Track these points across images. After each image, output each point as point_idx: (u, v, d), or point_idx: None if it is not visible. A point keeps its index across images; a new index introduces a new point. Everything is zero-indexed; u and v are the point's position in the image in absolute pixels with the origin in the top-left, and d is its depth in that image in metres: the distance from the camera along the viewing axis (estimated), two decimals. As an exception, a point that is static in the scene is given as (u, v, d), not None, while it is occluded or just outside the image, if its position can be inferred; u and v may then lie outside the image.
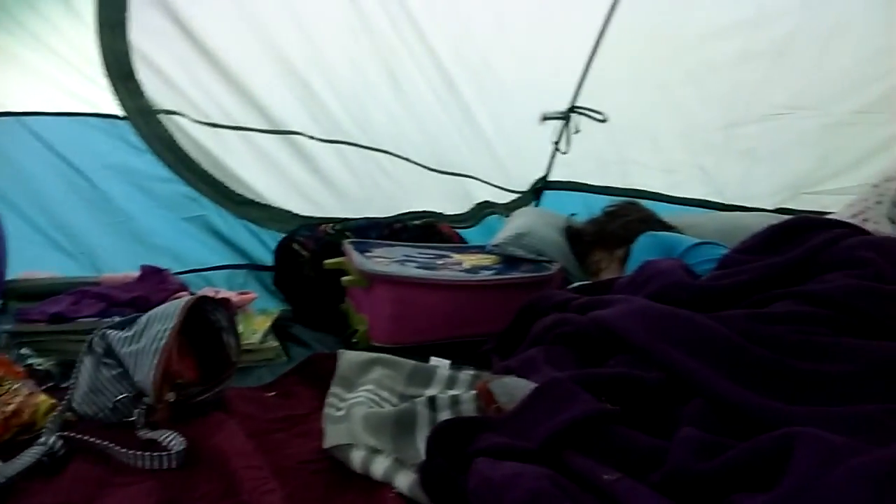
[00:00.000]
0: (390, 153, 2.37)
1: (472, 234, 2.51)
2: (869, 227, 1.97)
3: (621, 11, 2.37)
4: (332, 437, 1.11)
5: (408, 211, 2.47)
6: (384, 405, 1.28)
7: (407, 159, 2.40)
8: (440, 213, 2.52)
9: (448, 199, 2.54)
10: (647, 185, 2.67)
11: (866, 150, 2.74)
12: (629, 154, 2.64)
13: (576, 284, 1.84)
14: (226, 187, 2.18)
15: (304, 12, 2.10)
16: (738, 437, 0.91)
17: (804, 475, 0.71)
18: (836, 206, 2.28)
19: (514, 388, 1.17)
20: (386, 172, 2.42)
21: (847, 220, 2.02)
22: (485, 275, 1.95)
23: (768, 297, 1.29)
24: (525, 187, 2.64)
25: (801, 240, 1.46)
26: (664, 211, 2.49)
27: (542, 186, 2.65)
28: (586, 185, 2.67)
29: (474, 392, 1.22)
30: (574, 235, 2.22)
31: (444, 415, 1.17)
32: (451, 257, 2.07)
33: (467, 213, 2.59)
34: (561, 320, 1.40)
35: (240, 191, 2.20)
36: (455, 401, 1.21)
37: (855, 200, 2.18)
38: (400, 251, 2.06)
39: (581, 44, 2.43)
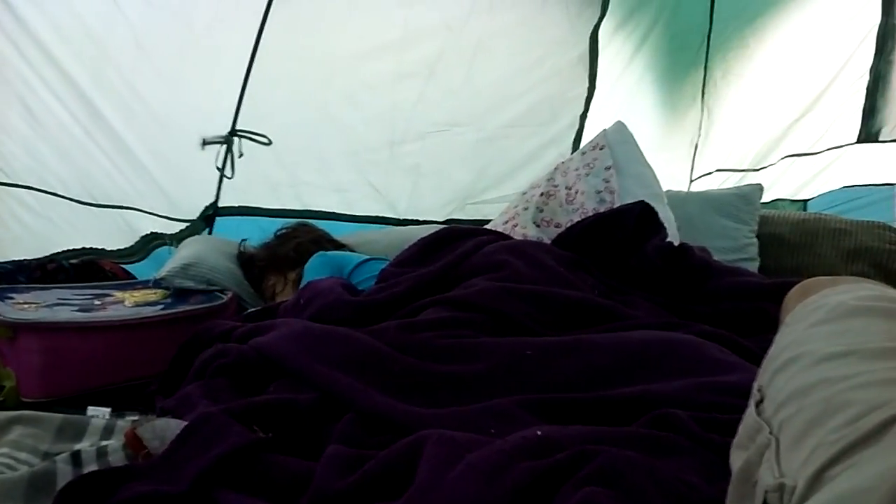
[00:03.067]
0: (33, 188, 2.15)
1: (141, 269, 2.35)
2: (518, 231, 2.16)
3: (270, 34, 2.37)
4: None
5: (63, 250, 2.24)
6: (21, 468, 1.13)
7: (54, 194, 2.18)
8: (101, 250, 2.33)
9: (109, 234, 2.35)
10: (321, 206, 2.70)
11: (518, 160, 3.02)
12: (300, 175, 2.65)
13: (248, 311, 1.81)
14: None
15: None
16: (386, 447, 0.93)
17: (428, 476, 0.74)
18: (496, 213, 2.48)
19: (164, 430, 1.09)
20: (31, 209, 2.18)
21: (498, 227, 2.22)
22: (149, 311, 1.83)
23: (419, 306, 1.36)
24: (194, 215, 2.53)
25: (448, 249, 1.56)
26: (340, 230, 2.54)
27: (213, 213, 2.56)
28: (259, 208, 2.63)
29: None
30: (246, 261, 2.17)
31: (91, 469, 1.06)
32: (112, 296, 1.91)
33: (133, 246, 2.42)
34: (220, 351, 1.35)
35: None
36: (102, 452, 1.10)
37: (507, 208, 2.39)
38: (54, 294, 1.86)
39: (235, 66, 2.39)
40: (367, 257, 1.95)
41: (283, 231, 2.21)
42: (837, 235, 2.21)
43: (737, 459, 0.64)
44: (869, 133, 2.90)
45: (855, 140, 2.92)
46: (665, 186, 2.43)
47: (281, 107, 2.53)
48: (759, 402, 0.64)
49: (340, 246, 2.21)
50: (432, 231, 1.64)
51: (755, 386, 0.68)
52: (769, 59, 3.12)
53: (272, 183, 2.64)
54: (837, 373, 0.58)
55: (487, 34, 2.81)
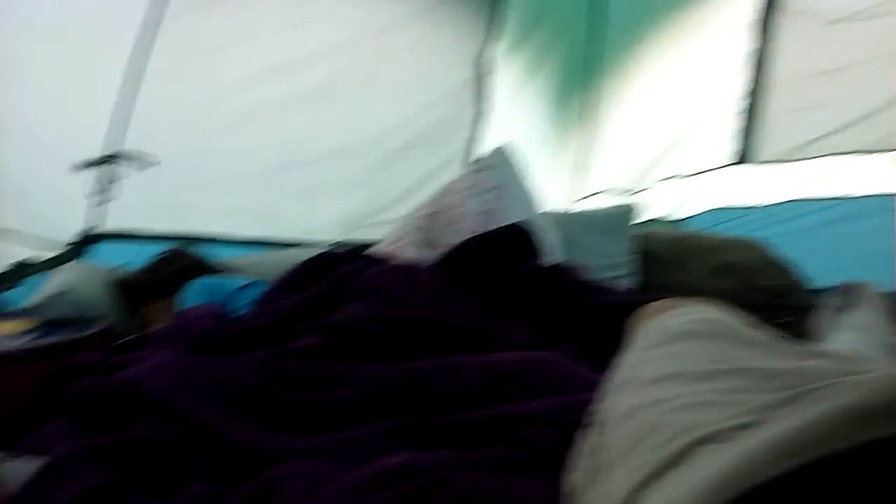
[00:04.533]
0: None
1: (14, 298, 2.24)
2: (406, 253, 2.18)
3: (157, 56, 2.33)
4: None
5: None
6: None
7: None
8: (-36, 279, 2.22)
9: (-26, 263, 2.24)
10: (207, 229, 2.65)
11: (413, 182, 3.05)
12: (185, 198, 2.60)
13: (121, 341, 1.75)
14: None
15: None
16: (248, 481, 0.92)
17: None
18: (388, 235, 2.48)
19: (25, 471, 1.05)
20: None
21: (386, 249, 2.23)
22: (17, 343, 1.74)
23: (294, 332, 1.35)
24: (70, 240, 2.43)
25: (328, 273, 1.55)
26: (226, 253, 2.49)
27: (91, 238, 2.47)
28: (141, 232, 2.55)
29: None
30: (123, 288, 2.10)
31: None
32: (-22, 327, 1.82)
33: (4, 274, 2.30)
34: (87, 385, 1.30)
35: None
36: (-48, 499, 1.04)
37: (395, 229, 2.41)
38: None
39: (116, 87, 2.33)
40: (248, 281, 1.92)
41: (161, 256, 2.16)
42: (707, 252, 2.32)
43: (571, 480, 0.67)
44: (741, 156, 3.06)
45: (729, 162, 3.08)
46: (551, 207, 2.50)
47: (167, 129, 2.49)
48: (595, 424, 0.67)
49: (222, 271, 2.16)
50: (310, 256, 1.63)
51: (594, 408, 0.70)
52: (648, 84, 3.26)
53: (156, 206, 2.57)
54: (659, 395, 0.60)
55: (378, 57, 2.85)
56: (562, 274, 1.69)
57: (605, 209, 2.77)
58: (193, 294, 1.85)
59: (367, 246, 2.64)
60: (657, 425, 0.56)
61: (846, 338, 0.97)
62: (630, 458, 0.56)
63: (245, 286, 1.84)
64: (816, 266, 2.32)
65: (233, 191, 2.71)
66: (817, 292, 2.06)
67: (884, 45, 2.58)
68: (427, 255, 2.11)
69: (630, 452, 0.56)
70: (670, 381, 0.62)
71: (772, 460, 0.43)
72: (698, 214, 3.14)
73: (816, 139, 2.78)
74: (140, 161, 2.43)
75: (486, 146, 2.94)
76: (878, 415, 0.42)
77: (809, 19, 2.79)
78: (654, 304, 0.88)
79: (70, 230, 2.46)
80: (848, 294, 1.24)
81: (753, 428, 0.49)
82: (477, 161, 2.40)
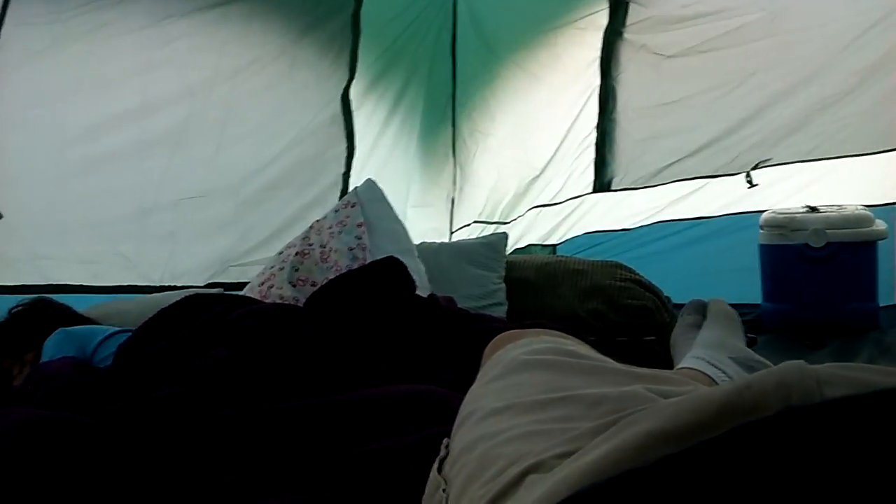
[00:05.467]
0: None
1: None
2: (275, 292, 2.15)
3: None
4: None
5: None
6: None
7: None
8: None
9: None
10: (66, 279, 2.51)
11: (282, 222, 3.01)
12: (39, 249, 2.47)
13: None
14: None
15: None
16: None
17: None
18: (259, 276, 2.43)
19: None
20: None
21: (255, 289, 2.19)
22: None
23: (156, 381, 1.30)
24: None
25: (193, 318, 1.50)
26: (90, 302, 2.37)
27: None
28: (-6, 286, 2.41)
29: None
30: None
31: None
32: None
33: None
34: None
35: None
36: None
37: (264, 269, 2.37)
38: None
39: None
40: (114, 330, 1.83)
41: (19, 308, 2.03)
42: (575, 276, 2.40)
43: None
44: (602, 183, 3.20)
45: (591, 190, 3.21)
46: (427, 239, 2.52)
47: (12, 178, 2.36)
48: (443, 459, 0.67)
49: (85, 320, 2.06)
50: (171, 301, 1.58)
51: (444, 442, 0.71)
52: (509, 118, 3.37)
53: (7, 259, 2.42)
54: (495, 428, 0.61)
55: (235, 99, 2.82)
56: (435, 305, 1.70)
57: (478, 239, 2.82)
58: (55, 345, 1.75)
59: (237, 287, 2.59)
60: (493, 457, 0.58)
61: (697, 354, 1.01)
62: (470, 489, 0.57)
63: (111, 335, 1.76)
64: (681, 285, 2.44)
65: (88, 239, 2.60)
66: (680, 308, 2.17)
67: (718, 77, 2.79)
68: (297, 295, 2.09)
69: (471, 484, 0.58)
70: (508, 412, 0.64)
71: (581, 484, 0.45)
72: (569, 239, 3.25)
73: (668, 165, 2.95)
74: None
75: (357, 182, 2.94)
76: (679, 436, 0.45)
77: (650, 54, 2.97)
78: (499, 335, 0.90)
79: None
80: (700, 310, 1.30)
81: (573, 455, 0.51)
82: (344, 198, 2.40)
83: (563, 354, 0.72)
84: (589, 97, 3.15)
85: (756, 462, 0.37)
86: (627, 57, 3.04)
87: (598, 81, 3.12)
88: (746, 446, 0.39)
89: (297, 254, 2.19)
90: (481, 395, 0.70)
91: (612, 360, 0.73)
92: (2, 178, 2.33)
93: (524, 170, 3.32)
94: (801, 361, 0.48)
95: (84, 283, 2.58)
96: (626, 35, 3.04)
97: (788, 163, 2.73)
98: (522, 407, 0.63)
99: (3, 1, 2.25)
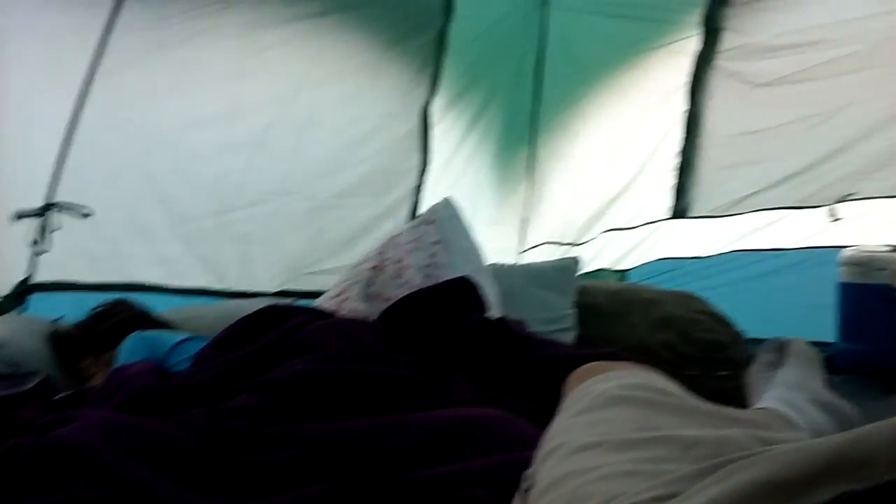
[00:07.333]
0: None
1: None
2: (348, 306, 2.16)
3: (92, 105, 2.32)
4: None
5: None
6: None
7: None
8: None
9: None
10: (145, 278, 2.60)
11: (353, 231, 3.05)
12: (122, 248, 2.56)
13: (60, 396, 1.69)
14: None
15: None
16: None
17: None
18: (331, 284, 2.45)
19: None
20: None
21: (329, 301, 2.22)
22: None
23: (233, 390, 1.33)
24: (5, 292, 2.36)
25: (268, 329, 1.53)
26: (165, 304, 2.44)
27: (26, 290, 2.40)
28: (78, 283, 2.49)
29: None
30: (60, 341, 2.04)
31: None
32: None
33: (-68, 326, 2.22)
34: (15, 446, 1.25)
35: None
36: None
37: (338, 281, 2.39)
38: None
39: (51, 137, 2.30)
40: (186, 336, 1.88)
41: (100, 308, 2.09)
42: (647, 305, 2.35)
43: None
44: (679, 209, 3.15)
45: (667, 216, 3.17)
46: (496, 259, 2.51)
47: (102, 178, 2.46)
48: (528, 490, 0.68)
49: (161, 324, 2.11)
50: (252, 311, 1.62)
51: (527, 473, 0.71)
52: (590, 140, 3.35)
53: (92, 256, 2.52)
54: (585, 464, 0.61)
55: (317, 107, 2.87)
56: (505, 328, 1.70)
57: (550, 262, 2.80)
58: (130, 349, 1.80)
59: (308, 295, 2.63)
60: (585, 494, 0.57)
61: (776, 395, 0.99)
62: None
63: (183, 341, 1.80)
64: (753, 318, 2.38)
65: (168, 239, 2.68)
66: (755, 343, 2.12)
67: (810, 107, 2.72)
68: (370, 309, 2.10)
69: None
70: (598, 448, 0.63)
71: None
72: (639, 266, 3.20)
73: (750, 195, 2.89)
74: (74, 211, 2.39)
75: (432, 197, 2.96)
76: (788, 488, 0.44)
77: (740, 81, 2.92)
78: (585, 366, 0.89)
79: (5, 282, 2.40)
80: (780, 349, 1.27)
81: (672, 500, 0.50)
82: (420, 214, 2.41)
83: (654, 392, 0.71)
84: (674, 121, 3.11)
85: None
86: (716, 83, 3.00)
87: (685, 106, 3.08)
88: None
89: (371, 268, 2.20)
90: (569, 428, 0.70)
91: (702, 400, 0.72)
92: (93, 178, 2.42)
93: (601, 192, 3.30)
94: None
95: (161, 283, 2.66)
96: (717, 61, 3.00)
97: (873, 198, 2.65)
98: (614, 444, 0.62)
99: (112, 7, 2.34)
